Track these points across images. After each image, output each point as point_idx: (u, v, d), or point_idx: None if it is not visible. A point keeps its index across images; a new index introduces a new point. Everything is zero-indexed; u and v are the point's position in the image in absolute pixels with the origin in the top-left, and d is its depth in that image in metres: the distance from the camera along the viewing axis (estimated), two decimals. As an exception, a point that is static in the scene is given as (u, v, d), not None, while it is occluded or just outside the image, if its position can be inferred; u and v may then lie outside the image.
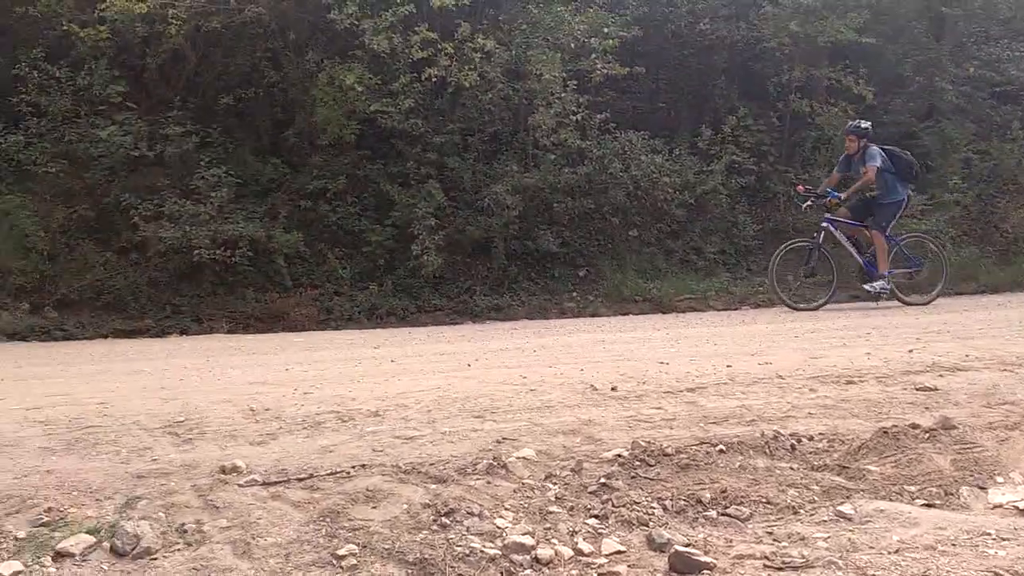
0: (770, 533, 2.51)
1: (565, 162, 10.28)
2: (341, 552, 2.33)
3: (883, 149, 8.59)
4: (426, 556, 2.30)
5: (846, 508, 2.65)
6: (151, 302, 8.96)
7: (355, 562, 2.29)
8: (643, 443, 3.15)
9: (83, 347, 7.62)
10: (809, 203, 8.89)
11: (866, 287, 8.65)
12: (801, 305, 8.67)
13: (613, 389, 4.06)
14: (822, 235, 8.76)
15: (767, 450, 3.12)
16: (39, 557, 2.34)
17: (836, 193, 8.67)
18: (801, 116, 11.66)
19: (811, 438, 3.25)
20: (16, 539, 2.44)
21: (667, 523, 2.60)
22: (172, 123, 9.53)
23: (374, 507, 2.62)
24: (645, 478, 2.91)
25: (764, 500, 2.73)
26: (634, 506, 2.70)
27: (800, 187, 9.29)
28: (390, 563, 2.28)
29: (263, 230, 9.24)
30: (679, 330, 7.29)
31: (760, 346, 5.75)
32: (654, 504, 2.72)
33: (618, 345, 6.24)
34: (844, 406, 3.72)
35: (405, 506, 2.61)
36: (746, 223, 11.24)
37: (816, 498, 2.76)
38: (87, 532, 2.46)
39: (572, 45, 10.50)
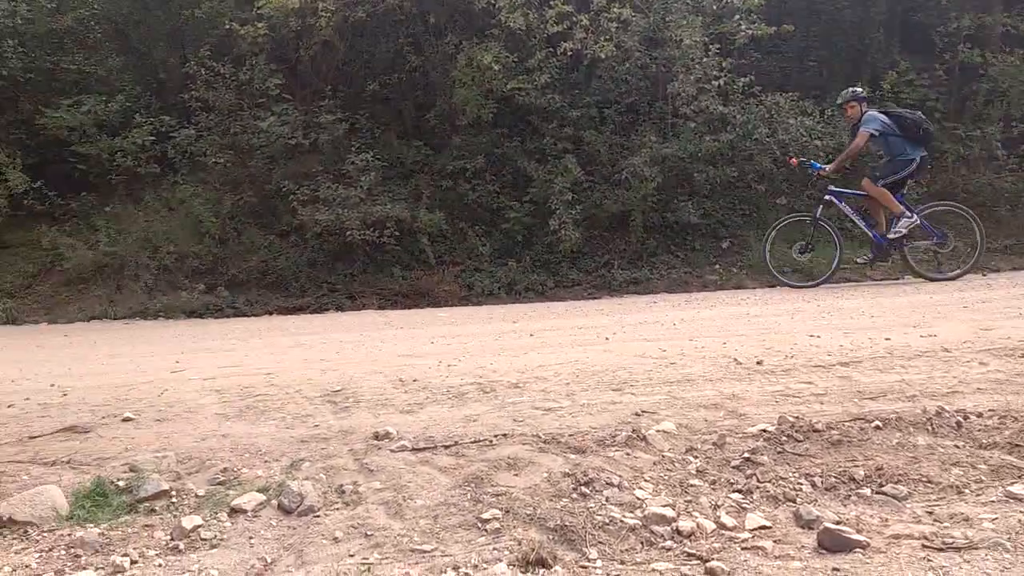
0: (930, 513, 2.35)
1: (706, 130, 9.93)
2: (485, 516, 2.42)
3: (886, 112, 8.09)
4: (567, 523, 2.34)
5: (1017, 488, 2.44)
6: (309, 281, 9.57)
7: (499, 526, 2.37)
8: (791, 418, 3.04)
9: (251, 323, 8.27)
10: (826, 172, 8.30)
11: (890, 234, 7.99)
12: (798, 282, 8.29)
13: (758, 363, 3.94)
14: (819, 209, 8.35)
15: (929, 427, 2.92)
16: (216, 513, 2.59)
17: (819, 165, 8.34)
18: (971, 67, 10.64)
19: (980, 415, 3.00)
20: (197, 496, 2.71)
21: (816, 500, 2.50)
22: (324, 112, 10.08)
23: (516, 474, 2.70)
24: (793, 454, 2.81)
25: (924, 479, 2.56)
26: (780, 482, 2.62)
27: (793, 160, 8.82)
28: (532, 528, 2.35)
29: (408, 210, 9.61)
30: (832, 302, 6.91)
31: (923, 317, 5.35)
32: (802, 480, 2.62)
33: (764, 318, 6.01)
34: (1019, 380, 3.41)
35: (545, 474, 2.67)
36: (909, 186, 10.41)
37: (983, 477, 2.56)
38: (257, 491, 2.69)
39: (714, 7, 10.10)
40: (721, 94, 9.92)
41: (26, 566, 2.27)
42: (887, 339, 4.38)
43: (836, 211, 8.55)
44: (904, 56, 11.01)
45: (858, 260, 8.47)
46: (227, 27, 10.17)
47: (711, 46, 9.79)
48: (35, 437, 3.30)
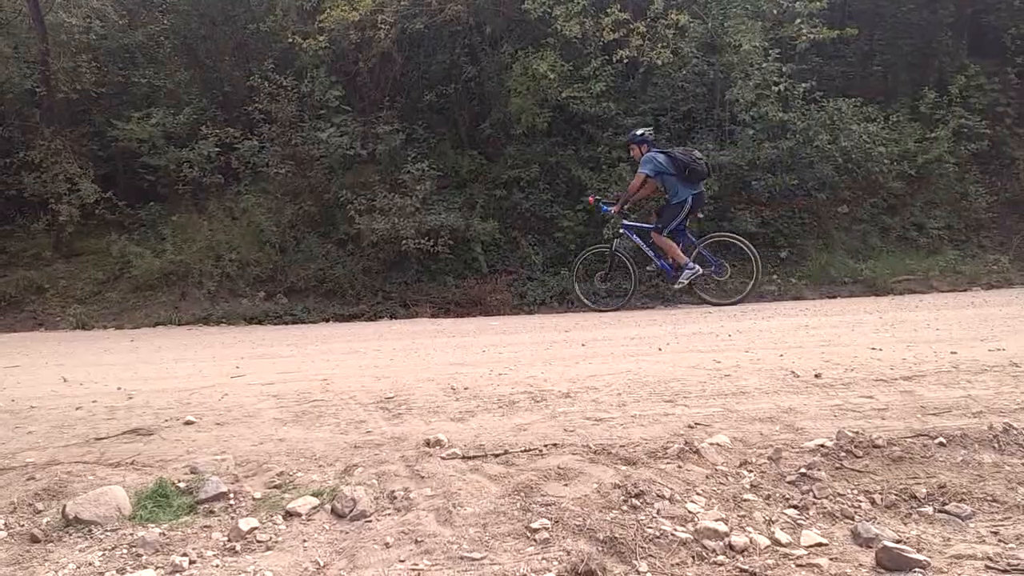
0: (995, 533, 2.26)
1: (765, 137, 9.74)
2: (535, 525, 2.42)
3: (665, 152, 8.44)
4: (616, 535, 2.32)
5: (1091, 512, 2.33)
6: (365, 289, 9.73)
7: (547, 536, 2.37)
8: (850, 433, 2.95)
9: (308, 330, 8.43)
10: (613, 212, 8.77)
11: (675, 286, 8.56)
12: (604, 307, 8.79)
13: (817, 376, 3.84)
14: (616, 242, 8.85)
15: (996, 444, 2.80)
16: (272, 515, 2.64)
17: (606, 207, 8.81)
18: (1045, 71, 10.21)
19: (1051, 433, 2.87)
20: (253, 499, 2.78)
21: (875, 517, 2.42)
22: (382, 122, 10.26)
23: (565, 484, 2.68)
24: (851, 470, 2.73)
25: (990, 498, 2.46)
26: (838, 498, 2.55)
27: (591, 198, 9.10)
28: (581, 539, 2.33)
29: (462, 219, 9.69)
30: (895, 313, 6.70)
31: (992, 331, 5.14)
32: (860, 497, 2.54)
33: (823, 330, 5.86)
34: (1096, 399, 3.25)
35: (595, 485, 2.65)
36: (978, 194, 10.05)
37: (1054, 499, 2.45)
38: (312, 495, 2.74)
39: (774, 11, 9.93)
40: (781, 100, 9.73)
41: (89, 564, 2.35)
42: (953, 353, 4.23)
43: (631, 243, 8.91)
44: (973, 59, 10.63)
45: (675, 285, 8.70)
46: (289, 41, 10.45)
47: (771, 51, 9.62)
48: (101, 439, 3.42)
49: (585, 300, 8.90)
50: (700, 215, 8.81)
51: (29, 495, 2.81)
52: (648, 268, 8.95)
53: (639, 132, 8.72)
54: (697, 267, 8.29)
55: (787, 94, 9.72)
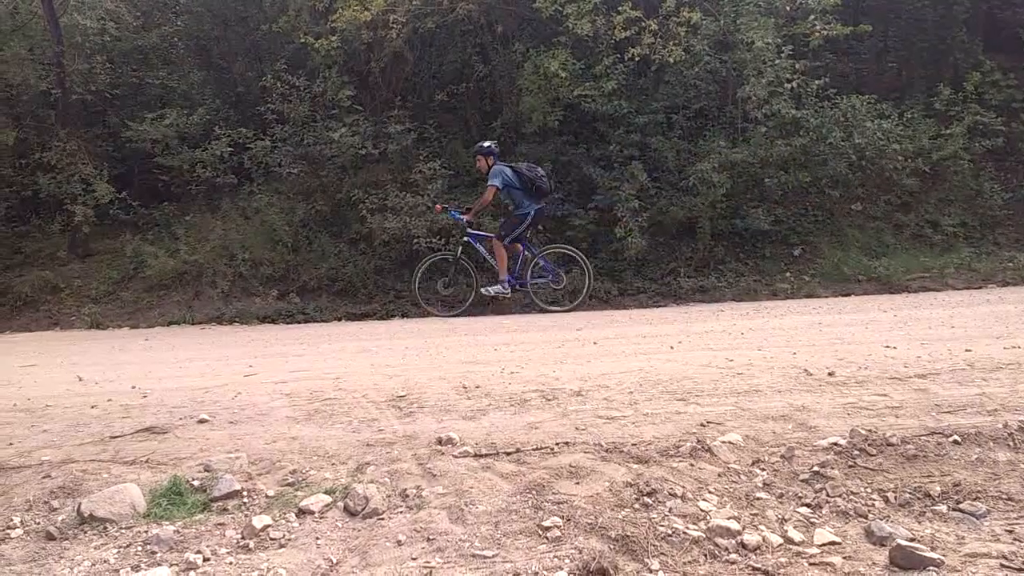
0: (1010, 531, 2.24)
1: (778, 134, 9.69)
2: (546, 523, 2.42)
3: (511, 167, 8.79)
4: (628, 533, 2.32)
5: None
6: (377, 288, 9.75)
7: (559, 534, 2.36)
8: (863, 431, 2.94)
9: (320, 329, 8.47)
10: (465, 221, 9.01)
11: (482, 290, 8.85)
12: (444, 312, 9.00)
13: (830, 374, 3.82)
14: (459, 249, 9.08)
15: (1011, 442, 2.78)
16: (285, 513, 2.66)
17: (457, 214, 9.04)
18: (1064, 66, 10.11)
19: (1068, 432, 2.85)
20: (267, 496, 2.79)
21: (889, 516, 2.41)
22: (393, 122, 10.28)
23: (577, 483, 2.68)
24: (865, 468, 2.71)
25: (1005, 496, 2.44)
26: (851, 496, 2.54)
27: (439, 207, 9.39)
28: (593, 537, 2.33)
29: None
30: (909, 311, 6.65)
31: (1008, 328, 5.10)
32: (874, 495, 2.53)
33: (837, 328, 5.82)
34: (1113, 397, 3.21)
35: (607, 484, 2.65)
36: (993, 191, 9.97)
37: (1070, 497, 2.42)
38: (324, 492, 2.75)
39: (787, 8, 9.88)
40: (794, 97, 9.69)
41: (104, 561, 2.37)
42: (967, 350, 4.20)
43: (475, 251, 9.12)
44: (989, 55, 10.54)
45: (482, 290, 9.01)
46: (302, 41, 10.48)
47: (784, 48, 9.57)
48: (116, 437, 3.45)
49: (426, 305, 9.07)
50: (540, 228, 9.27)
51: (45, 493, 2.83)
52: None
53: (486, 144, 9.02)
54: (508, 291, 8.76)
55: (800, 91, 9.67)
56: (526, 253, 8.92)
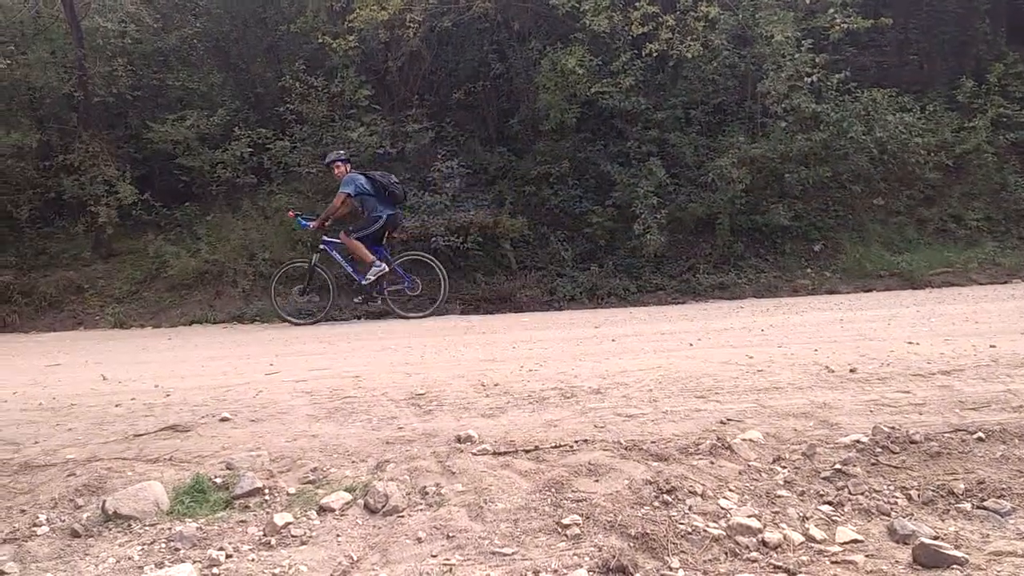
0: (1037, 530, 2.21)
1: (798, 129, 9.61)
2: (565, 521, 2.41)
3: (366, 174, 8.84)
4: (648, 531, 2.31)
5: None
6: (395, 286, 9.78)
7: (579, 532, 2.36)
8: (886, 428, 2.91)
9: (340, 327, 8.51)
10: (313, 227, 8.96)
11: (363, 282, 8.77)
12: (301, 320, 8.93)
13: (852, 371, 3.79)
14: (315, 256, 9.03)
15: (1038, 440, 2.74)
16: (306, 510, 2.67)
17: (305, 222, 9.00)
18: (1090, 57, 9.93)
19: (1096, 428, 2.80)
20: (288, 494, 2.81)
21: (912, 514, 2.38)
22: (411, 121, 10.31)
23: (596, 481, 2.68)
24: (887, 466, 2.68)
25: (1031, 495, 2.40)
26: (874, 494, 2.51)
27: (291, 213, 9.37)
28: (612, 535, 2.32)
29: (491, 216, 9.70)
30: (932, 307, 6.57)
31: (1034, 324, 5.02)
32: (897, 493, 2.50)
33: (858, 324, 5.76)
34: None
35: (627, 481, 2.64)
36: (1018, 184, 9.83)
37: (1098, 495, 2.38)
38: (345, 490, 2.77)
39: (807, 1, 9.78)
40: (814, 91, 9.59)
41: (129, 558, 2.40)
42: (992, 346, 4.14)
43: (330, 258, 9.09)
44: (1012, 47, 10.37)
45: (355, 300, 9.11)
46: (320, 41, 10.54)
47: (803, 42, 9.48)
48: (140, 435, 3.49)
49: (281, 313, 9.00)
50: (396, 235, 9.22)
51: (70, 491, 2.87)
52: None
53: (339, 153, 9.12)
54: (384, 265, 8.65)
55: (820, 85, 9.58)
56: (382, 260, 8.81)
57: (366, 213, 8.79)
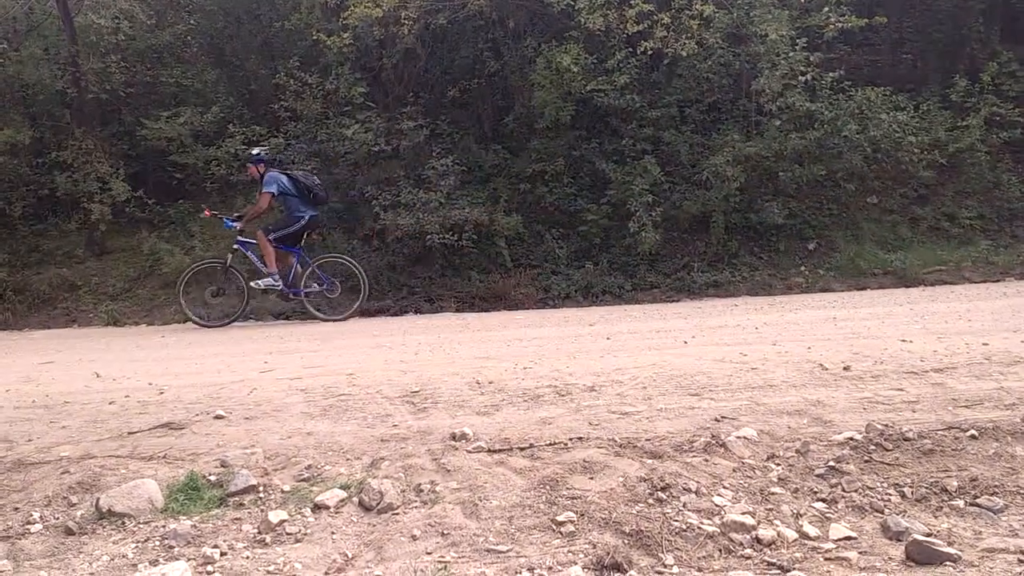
0: (1029, 527, 2.22)
1: (792, 127, 9.62)
2: (560, 518, 2.42)
3: (287, 174, 8.75)
4: (643, 528, 2.32)
5: None
6: (390, 284, 9.77)
7: (573, 529, 2.37)
8: (879, 426, 2.92)
9: (334, 325, 8.49)
10: (237, 228, 8.78)
11: (252, 284, 8.63)
12: (212, 322, 8.67)
13: (845, 368, 3.80)
14: (229, 257, 8.82)
15: (1030, 438, 2.76)
16: (300, 508, 2.67)
17: (231, 222, 8.78)
18: (1084, 56, 9.98)
19: (1088, 426, 2.82)
20: (282, 491, 2.81)
21: (905, 511, 2.39)
22: (406, 118, 10.28)
23: (591, 478, 2.68)
24: (881, 463, 2.70)
25: (1023, 491, 2.42)
26: (867, 491, 2.53)
27: (208, 211, 9.17)
28: (607, 532, 2.33)
29: (486, 214, 9.68)
30: (926, 305, 6.60)
31: (1026, 322, 5.05)
32: (890, 490, 2.52)
33: (852, 322, 5.79)
34: None
35: (621, 479, 2.65)
36: (1011, 183, 9.86)
37: (1090, 493, 2.40)
38: (340, 488, 2.77)
39: (801, 0, 9.80)
40: (808, 90, 9.61)
41: (123, 556, 2.40)
42: (985, 344, 4.16)
43: (245, 258, 8.88)
44: (1006, 46, 10.41)
45: (252, 283, 8.75)
46: (314, 38, 10.51)
47: (798, 40, 9.48)
48: (134, 433, 3.48)
49: (191, 315, 8.72)
50: (316, 236, 9.18)
51: (63, 488, 2.86)
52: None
53: (255, 152, 8.93)
54: (279, 284, 8.57)
55: (815, 84, 9.59)
56: (299, 263, 8.73)
57: (287, 213, 8.69)
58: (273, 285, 8.57)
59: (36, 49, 11.18)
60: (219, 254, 9.75)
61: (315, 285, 8.71)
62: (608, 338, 5.71)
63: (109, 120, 11.76)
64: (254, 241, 8.82)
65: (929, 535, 2.18)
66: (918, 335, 4.74)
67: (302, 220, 8.62)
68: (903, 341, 4.50)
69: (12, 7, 11.62)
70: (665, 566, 2.15)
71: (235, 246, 8.87)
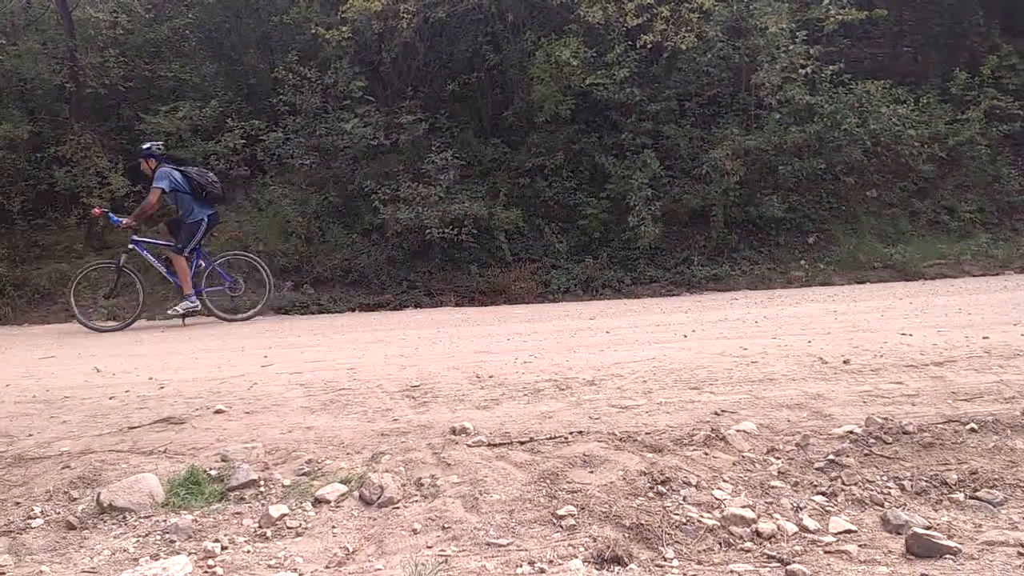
0: (1029, 520, 2.23)
1: (792, 120, 9.60)
2: (561, 512, 2.43)
3: (180, 170, 8.39)
4: (643, 522, 2.32)
5: None
6: (390, 278, 9.77)
7: (574, 522, 2.37)
8: (879, 419, 2.92)
9: (334, 319, 8.50)
10: (124, 225, 8.40)
11: (169, 311, 8.35)
12: (105, 325, 8.35)
13: (845, 362, 3.80)
14: (123, 257, 8.50)
15: (1030, 431, 2.76)
16: (301, 502, 2.68)
17: (118, 219, 8.39)
18: (1084, 49, 9.96)
19: (1088, 419, 2.82)
20: (283, 486, 2.81)
21: (905, 504, 2.40)
22: (405, 112, 10.26)
23: (591, 472, 2.69)
24: (881, 456, 2.70)
25: (1022, 484, 2.42)
26: (867, 485, 2.53)
27: (97, 210, 8.82)
28: (607, 526, 2.33)
29: (485, 208, 9.68)
30: (925, 298, 6.60)
31: (1026, 315, 5.05)
32: (890, 484, 2.52)
33: (852, 315, 5.79)
34: None
35: (621, 472, 2.65)
36: (1010, 176, 9.86)
37: (1090, 485, 2.41)
38: (340, 482, 2.78)
39: (802, -8, 9.79)
40: (808, 83, 9.59)
41: (124, 550, 2.41)
42: (985, 337, 4.16)
43: (141, 258, 8.58)
44: (1006, 39, 10.39)
45: (170, 311, 8.48)
46: (313, 32, 10.47)
47: (798, 33, 9.46)
48: (134, 427, 3.48)
49: (82, 319, 8.34)
50: (214, 235, 9.02)
51: (64, 483, 2.87)
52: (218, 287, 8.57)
53: (147, 146, 8.59)
54: (197, 304, 8.25)
55: (814, 77, 9.58)
56: (200, 261, 8.45)
57: (183, 214, 8.35)
58: (191, 307, 8.25)
59: (34, 43, 11.13)
60: (220, 249, 9.76)
61: (218, 285, 8.50)
62: (608, 332, 5.71)
63: (107, 115, 11.72)
64: (152, 241, 8.62)
65: (929, 528, 2.19)
66: (918, 328, 4.74)
67: (202, 224, 8.34)
68: (903, 334, 4.50)
69: (10, 1, 11.59)
70: (665, 559, 2.16)
71: (131, 245, 8.54)
